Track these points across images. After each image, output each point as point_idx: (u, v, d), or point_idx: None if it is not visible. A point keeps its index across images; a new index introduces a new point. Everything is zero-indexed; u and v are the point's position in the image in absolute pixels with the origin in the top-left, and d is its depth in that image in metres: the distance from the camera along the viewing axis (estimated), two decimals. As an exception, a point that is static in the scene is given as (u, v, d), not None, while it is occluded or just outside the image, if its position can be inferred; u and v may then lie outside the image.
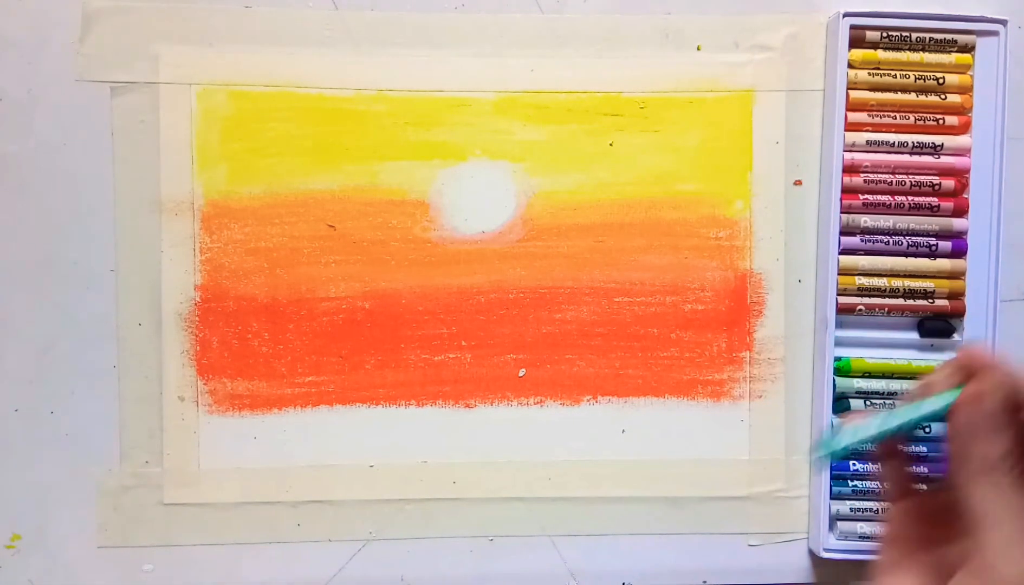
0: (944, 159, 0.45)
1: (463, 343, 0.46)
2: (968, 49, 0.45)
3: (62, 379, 0.45)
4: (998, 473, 0.26)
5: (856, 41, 0.45)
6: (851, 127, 0.45)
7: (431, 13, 0.45)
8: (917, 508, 0.30)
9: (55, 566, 0.45)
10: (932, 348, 0.46)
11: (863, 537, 0.45)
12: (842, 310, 0.45)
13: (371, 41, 0.45)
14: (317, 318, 0.45)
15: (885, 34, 0.45)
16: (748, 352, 0.46)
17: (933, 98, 0.45)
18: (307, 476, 0.45)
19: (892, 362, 0.45)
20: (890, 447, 0.31)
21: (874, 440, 0.30)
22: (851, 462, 0.45)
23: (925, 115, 0.45)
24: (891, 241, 0.45)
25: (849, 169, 0.45)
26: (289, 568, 0.45)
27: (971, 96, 0.45)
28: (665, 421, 0.46)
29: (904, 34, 0.45)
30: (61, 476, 0.45)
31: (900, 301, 0.45)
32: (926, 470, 0.45)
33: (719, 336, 0.46)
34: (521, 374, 0.46)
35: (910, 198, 0.45)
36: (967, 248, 0.45)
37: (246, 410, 0.45)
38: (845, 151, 0.45)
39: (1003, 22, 0.45)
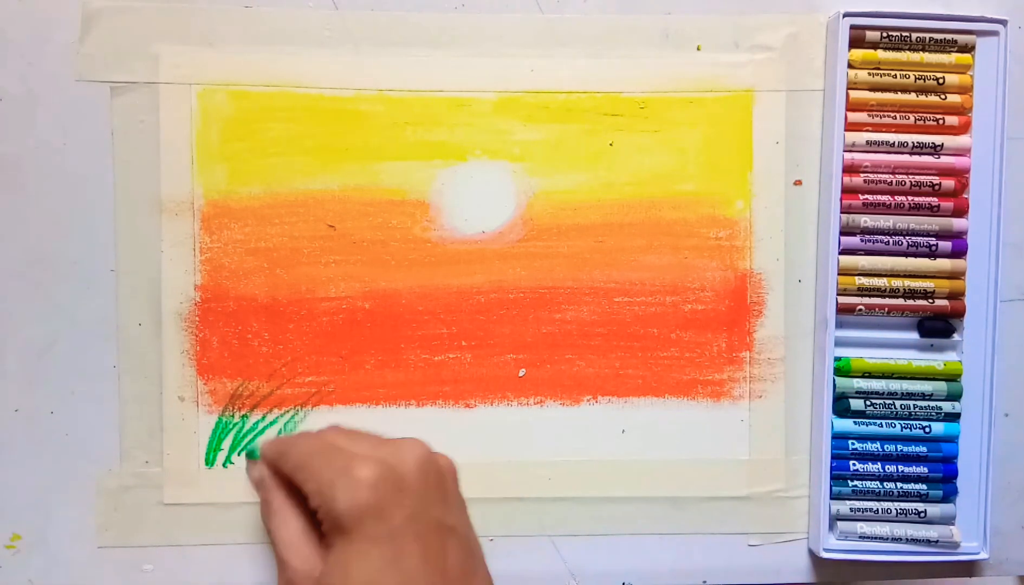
0: (944, 159, 0.45)
1: (463, 343, 0.46)
2: (968, 49, 0.45)
3: (62, 379, 0.45)
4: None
5: (856, 41, 0.45)
6: (851, 127, 0.45)
7: (431, 13, 0.45)
8: None
9: (55, 566, 0.45)
10: (932, 348, 0.46)
11: (863, 537, 0.45)
12: (842, 310, 0.45)
13: (371, 41, 0.45)
14: (317, 318, 0.45)
15: (885, 34, 0.45)
16: (748, 352, 0.46)
17: (933, 98, 0.45)
18: (307, 476, 0.45)
19: (892, 362, 0.45)
20: None
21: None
22: (851, 462, 0.45)
23: (925, 115, 0.45)
24: (891, 241, 0.45)
25: (849, 169, 0.45)
26: (289, 568, 0.45)
27: (971, 96, 0.45)
28: (665, 421, 0.46)
29: (904, 34, 0.45)
30: (61, 476, 0.45)
31: (900, 301, 0.45)
32: (926, 470, 0.45)
33: (719, 336, 0.46)
34: (521, 374, 0.46)
35: (910, 198, 0.45)
36: (967, 248, 0.45)
37: (246, 410, 0.45)
38: (845, 151, 0.45)
39: (1003, 22, 0.45)
